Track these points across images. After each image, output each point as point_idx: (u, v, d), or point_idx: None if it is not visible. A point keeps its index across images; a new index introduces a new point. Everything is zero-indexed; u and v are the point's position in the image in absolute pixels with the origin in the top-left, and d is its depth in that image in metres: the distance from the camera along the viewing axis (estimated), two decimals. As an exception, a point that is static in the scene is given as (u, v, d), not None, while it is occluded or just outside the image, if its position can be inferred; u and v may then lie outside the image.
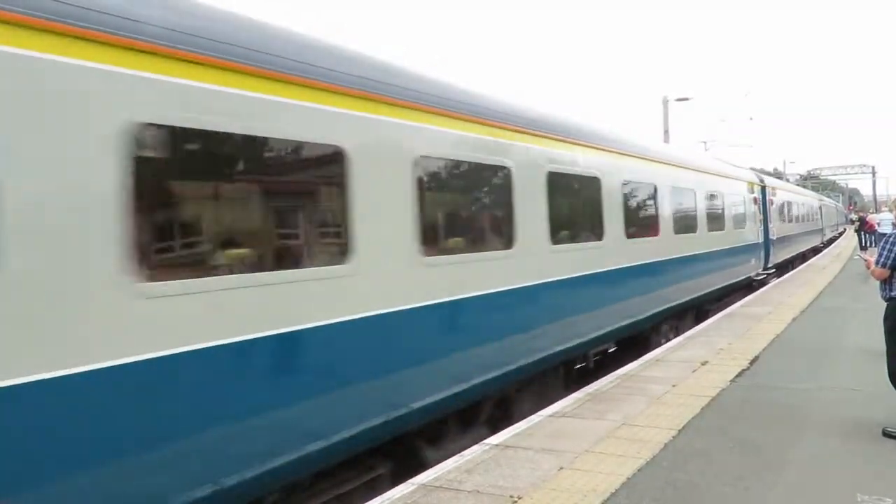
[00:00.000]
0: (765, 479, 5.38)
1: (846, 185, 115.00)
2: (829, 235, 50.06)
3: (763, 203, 22.12)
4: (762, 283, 21.27)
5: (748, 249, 19.32)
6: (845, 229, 63.53)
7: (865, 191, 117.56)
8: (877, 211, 50.73)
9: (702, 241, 14.43)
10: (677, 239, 12.81)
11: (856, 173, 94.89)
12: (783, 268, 26.01)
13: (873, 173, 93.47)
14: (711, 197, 15.65)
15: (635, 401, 7.75)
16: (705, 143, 36.39)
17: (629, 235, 10.63)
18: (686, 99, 31.92)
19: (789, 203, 28.90)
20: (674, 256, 12.54)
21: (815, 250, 37.01)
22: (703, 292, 14.57)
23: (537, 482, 5.38)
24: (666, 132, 30.08)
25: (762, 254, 21.40)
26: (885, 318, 6.57)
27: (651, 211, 12.10)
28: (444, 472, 5.66)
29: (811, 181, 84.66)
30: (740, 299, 17.40)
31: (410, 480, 5.51)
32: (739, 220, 18.47)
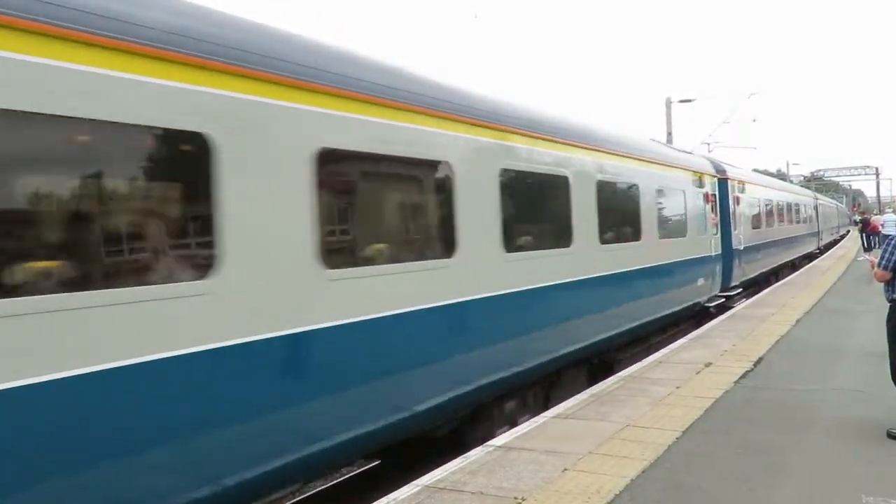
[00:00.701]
0: (769, 481, 5.37)
1: (850, 186, 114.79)
2: (826, 240, 43.93)
3: (722, 201, 16.93)
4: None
5: (691, 266, 13.80)
6: (848, 231, 63.07)
7: (869, 192, 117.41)
8: (881, 212, 50.35)
9: (586, 261, 9.31)
10: (517, 263, 7.73)
11: (859, 175, 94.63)
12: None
13: (877, 174, 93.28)
14: (611, 190, 10.33)
15: (639, 402, 7.75)
16: (708, 144, 36.25)
17: (357, 259, 5.79)
18: (689, 100, 31.81)
19: (767, 201, 23.05)
20: (512, 290, 7.58)
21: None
22: (591, 340, 9.41)
23: (541, 484, 5.38)
24: (669, 134, 30.01)
25: (718, 270, 15.80)
26: (888, 320, 6.57)
27: (432, 214, 6.94)
28: (448, 473, 5.67)
29: (815, 182, 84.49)
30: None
31: (415, 482, 5.52)
32: (674, 225, 13.16)
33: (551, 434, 6.70)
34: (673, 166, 13.50)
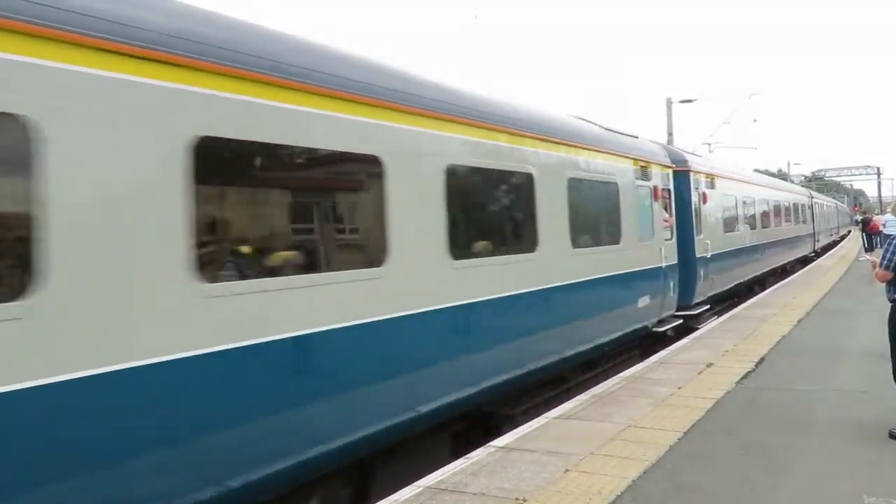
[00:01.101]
0: (771, 482, 5.37)
1: (851, 186, 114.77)
2: (824, 242, 39.62)
3: (681, 198, 13.86)
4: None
5: (628, 282, 10.60)
6: (849, 231, 62.83)
7: (871, 192, 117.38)
8: (882, 212, 50.18)
9: (419, 288, 6.27)
10: (244, 300, 4.68)
11: (861, 175, 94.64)
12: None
13: (878, 174, 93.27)
14: (475, 180, 7.37)
15: (640, 403, 7.75)
16: (709, 144, 36.26)
17: None
18: (690, 101, 31.87)
19: (747, 199, 19.70)
20: (224, 347, 4.51)
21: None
22: (435, 403, 6.43)
23: (543, 484, 5.38)
24: (670, 134, 30.03)
25: (671, 284, 12.48)
26: (890, 320, 6.57)
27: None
28: (450, 474, 5.67)
29: (816, 182, 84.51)
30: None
31: (416, 483, 5.53)
32: (599, 230, 10.10)
33: (553, 435, 6.71)
34: (598, 150, 9.99)
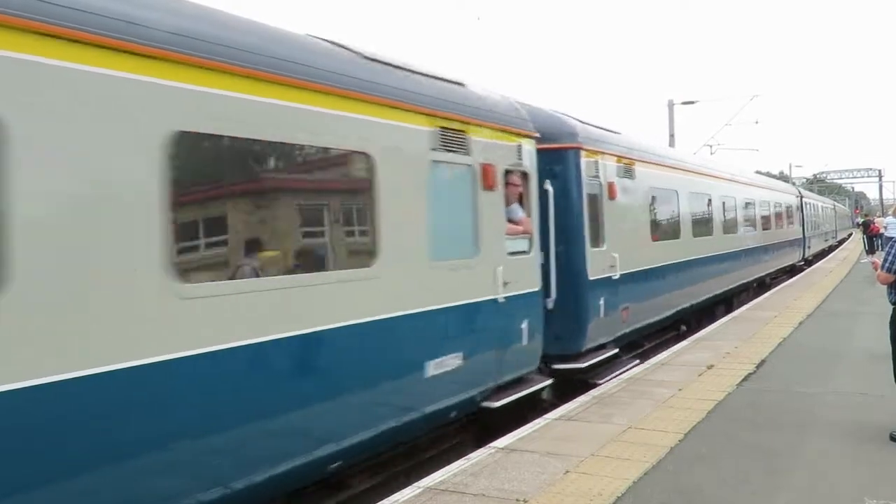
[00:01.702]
0: (771, 484, 5.37)
1: (852, 188, 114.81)
2: (816, 248, 33.98)
3: (564, 190, 9.10)
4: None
5: (409, 334, 6.10)
6: (850, 234, 62.65)
7: (872, 194, 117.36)
8: (883, 215, 50.08)
9: None
10: None
11: (862, 177, 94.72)
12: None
13: (880, 177, 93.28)
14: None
15: (641, 404, 7.75)
16: (711, 146, 36.18)
17: None
18: (692, 102, 31.83)
19: (699, 196, 14.90)
20: None
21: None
22: None
23: (543, 486, 5.38)
24: (671, 136, 30.01)
25: (524, 327, 7.72)
26: (891, 322, 6.57)
27: None
28: (451, 475, 5.67)
29: (818, 184, 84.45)
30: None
31: (416, 483, 5.54)
32: (298, 244, 5.25)
33: (553, 436, 6.71)
34: (311, 87, 5.22)
